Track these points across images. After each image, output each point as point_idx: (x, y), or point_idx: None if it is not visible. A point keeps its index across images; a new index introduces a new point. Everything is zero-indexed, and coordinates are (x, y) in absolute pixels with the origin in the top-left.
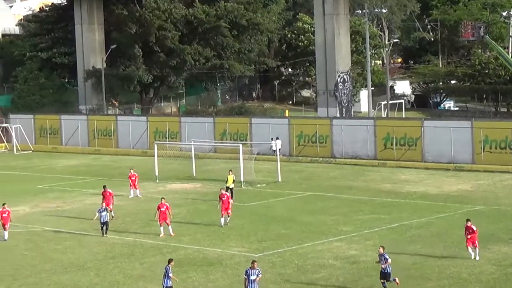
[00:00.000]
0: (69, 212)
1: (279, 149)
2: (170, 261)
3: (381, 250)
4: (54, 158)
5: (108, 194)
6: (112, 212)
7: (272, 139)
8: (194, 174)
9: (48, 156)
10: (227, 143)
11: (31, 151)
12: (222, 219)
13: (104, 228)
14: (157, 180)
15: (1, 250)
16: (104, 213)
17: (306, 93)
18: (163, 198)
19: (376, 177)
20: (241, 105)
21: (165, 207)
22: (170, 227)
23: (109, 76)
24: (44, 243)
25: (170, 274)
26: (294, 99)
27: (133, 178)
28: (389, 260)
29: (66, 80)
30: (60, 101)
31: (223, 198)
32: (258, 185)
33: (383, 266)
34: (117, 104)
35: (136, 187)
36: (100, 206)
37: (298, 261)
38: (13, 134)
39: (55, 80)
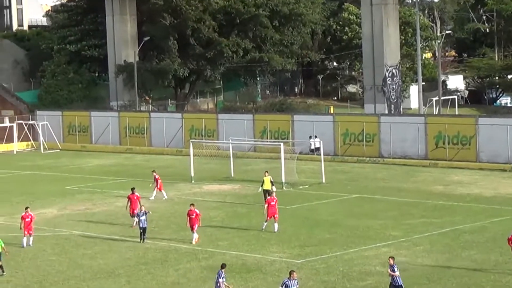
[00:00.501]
0: (99, 215)
1: (317, 148)
2: (223, 266)
3: (391, 261)
4: (83, 157)
5: (135, 198)
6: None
7: (310, 137)
8: (232, 174)
9: (77, 155)
10: (267, 141)
11: (58, 150)
12: (265, 224)
13: (143, 234)
14: (192, 181)
15: (27, 255)
16: (143, 218)
17: (352, 88)
18: (193, 204)
19: (426, 178)
20: (282, 101)
21: (194, 214)
22: (194, 234)
23: (141, 70)
24: (72, 248)
25: (220, 280)
26: (339, 94)
27: (159, 181)
28: (397, 273)
29: (96, 75)
30: (89, 97)
31: (272, 203)
32: (301, 187)
33: (393, 277)
34: (150, 100)
35: (161, 189)
36: (139, 209)
37: (343, 268)
38: (40, 131)
39: (84, 75)
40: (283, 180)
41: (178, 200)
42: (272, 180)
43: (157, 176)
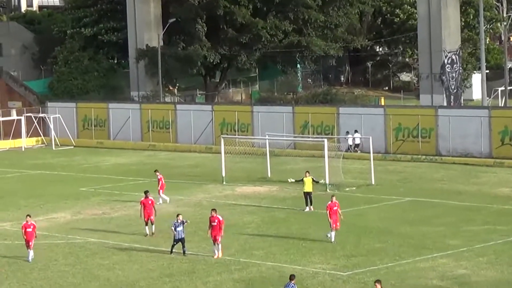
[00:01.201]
0: (117, 220)
1: (357, 145)
2: (291, 278)
3: (378, 286)
4: (100, 155)
5: (150, 202)
6: (153, 227)
7: (347, 132)
8: (269, 175)
9: (93, 153)
10: (309, 137)
11: (72, 147)
12: (333, 235)
13: (181, 246)
14: (224, 182)
15: (37, 265)
16: (179, 228)
17: (405, 77)
18: (214, 210)
19: (491, 180)
20: (326, 92)
21: (216, 221)
22: (217, 246)
23: (166, 56)
24: (87, 257)
25: None
26: (391, 84)
27: (162, 181)
28: None
29: (115, 62)
30: (107, 86)
31: (334, 208)
32: (347, 189)
33: None
34: (175, 90)
35: (162, 190)
36: (175, 219)
37: (395, 281)
38: (51, 126)
39: (101, 62)
40: (327, 181)
41: (207, 204)
42: (315, 179)
43: (159, 176)
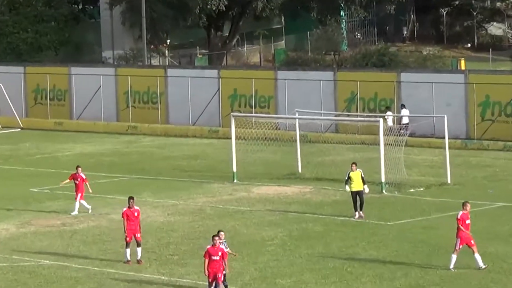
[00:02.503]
0: (83, 234)
1: (405, 125)
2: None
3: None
4: (59, 141)
5: (135, 214)
6: (140, 251)
7: (388, 108)
8: (300, 169)
9: (49, 138)
10: (357, 116)
11: (19, 129)
12: (454, 257)
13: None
14: (235, 180)
15: None
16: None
17: (496, 29)
18: (218, 236)
19: None
20: (382, 50)
21: (221, 253)
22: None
23: (152, 1)
24: (40, 286)
25: None
26: (475, 39)
27: (77, 181)
28: None
29: (79, 8)
30: (69, 43)
31: (467, 221)
32: (412, 190)
33: None
34: (166, 49)
35: (81, 195)
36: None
37: None
38: None
39: (60, 7)
40: (382, 179)
41: (211, 212)
42: (363, 176)
43: (84, 176)
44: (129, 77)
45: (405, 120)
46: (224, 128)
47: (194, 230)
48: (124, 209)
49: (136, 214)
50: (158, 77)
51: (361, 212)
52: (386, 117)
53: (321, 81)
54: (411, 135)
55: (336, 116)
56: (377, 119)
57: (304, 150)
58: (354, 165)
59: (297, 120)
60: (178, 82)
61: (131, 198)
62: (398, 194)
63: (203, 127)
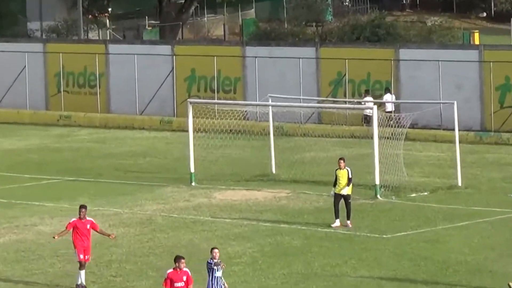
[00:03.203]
0: (4, 250)
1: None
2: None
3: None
4: None
5: (88, 227)
6: (83, 275)
7: (367, 91)
8: (274, 169)
9: None
10: (345, 102)
11: None
12: None
13: None
14: (193, 183)
15: None
16: (218, 274)
17: None
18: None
19: None
20: (376, 21)
21: (185, 278)
22: None
23: None
24: None
25: None
26: (492, 7)
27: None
28: None
29: None
30: None
31: None
32: (413, 195)
33: None
34: (107, 20)
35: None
36: (210, 256)
37: None
38: None
39: None
40: (377, 181)
41: (163, 222)
42: (351, 176)
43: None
44: (61, 54)
45: (388, 108)
46: (180, 118)
47: (142, 245)
48: (73, 219)
49: (88, 226)
50: (97, 55)
51: (348, 222)
52: (364, 102)
53: (300, 59)
54: (412, 126)
55: (319, 102)
56: (370, 105)
57: (279, 145)
58: (342, 161)
59: (270, 108)
60: (122, 60)
61: (82, 207)
62: (396, 200)
63: (153, 117)
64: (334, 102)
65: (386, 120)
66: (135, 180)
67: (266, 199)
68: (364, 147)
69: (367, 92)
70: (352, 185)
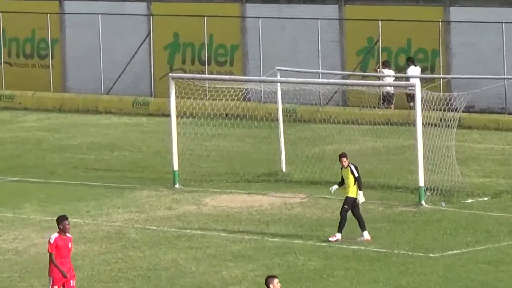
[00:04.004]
0: None
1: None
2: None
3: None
4: None
5: (68, 245)
6: None
7: (385, 63)
8: (284, 166)
9: None
10: (378, 78)
11: None
12: None
13: None
14: (176, 184)
15: None
16: None
17: None
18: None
19: None
20: None
21: None
22: None
23: None
24: None
25: None
26: None
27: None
28: None
29: None
30: None
31: None
32: (470, 200)
33: None
34: None
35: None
36: None
37: None
38: None
39: None
40: (421, 183)
41: (138, 236)
42: (356, 174)
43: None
44: (0, 14)
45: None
46: (159, 99)
47: (110, 267)
48: (54, 236)
49: (70, 245)
50: (48, 15)
51: (365, 234)
52: (381, 75)
53: (319, 21)
54: (467, 109)
55: (343, 78)
56: (414, 80)
57: (291, 134)
58: (344, 158)
59: (278, 85)
60: (81, 23)
61: (65, 217)
62: (447, 207)
63: (123, 97)
64: (363, 78)
65: (433, 102)
66: (100, 181)
67: (274, 207)
68: (404, 137)
69: (385, 64)
70: (356, 179)
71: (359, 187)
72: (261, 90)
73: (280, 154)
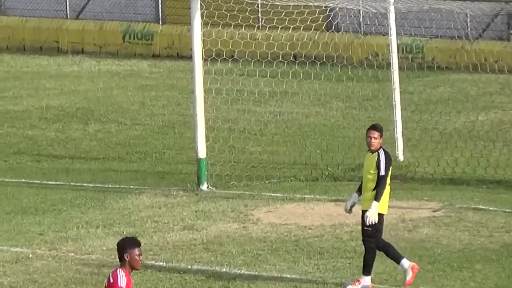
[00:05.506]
0: None
1: None
2: None
3: None
4: None
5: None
6: None
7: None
8: (401, 154)
9: None
10: None
11: None
12: None
13: None
14: (204, 185)
15: None
16: None
17: None
18: None
19: None
20: None
21: None
22: None
23: None
24: None
25: None
26: None
27: None
28: None
29: None
30: None
31: None
32: None
33: None
34: None
35: None
36: None
37: None
38: None
39: None
40: None
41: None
42: (382, 165)
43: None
44: None
45: None
46: (170, 27)
47: None
48: (122, 274)
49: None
50: None
51: (362, 279)
52: None
53: None
54: None
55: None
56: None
57: (414, 93)
58: (373, 131)
59: (391, 2)
60: None
61: (135, 242)
62: None
63: (105, 23)
64: None
65: None
66: (63, 178)
67: (391, 217)
68: None
69: None
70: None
71: (376, 194)
72: (359, 12)
73: (393, 130)
